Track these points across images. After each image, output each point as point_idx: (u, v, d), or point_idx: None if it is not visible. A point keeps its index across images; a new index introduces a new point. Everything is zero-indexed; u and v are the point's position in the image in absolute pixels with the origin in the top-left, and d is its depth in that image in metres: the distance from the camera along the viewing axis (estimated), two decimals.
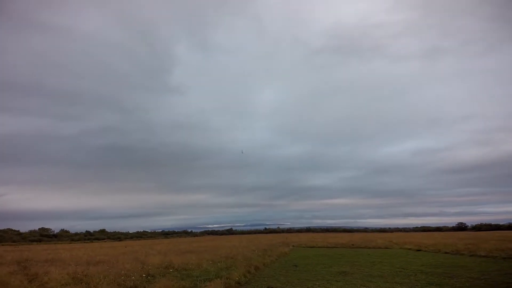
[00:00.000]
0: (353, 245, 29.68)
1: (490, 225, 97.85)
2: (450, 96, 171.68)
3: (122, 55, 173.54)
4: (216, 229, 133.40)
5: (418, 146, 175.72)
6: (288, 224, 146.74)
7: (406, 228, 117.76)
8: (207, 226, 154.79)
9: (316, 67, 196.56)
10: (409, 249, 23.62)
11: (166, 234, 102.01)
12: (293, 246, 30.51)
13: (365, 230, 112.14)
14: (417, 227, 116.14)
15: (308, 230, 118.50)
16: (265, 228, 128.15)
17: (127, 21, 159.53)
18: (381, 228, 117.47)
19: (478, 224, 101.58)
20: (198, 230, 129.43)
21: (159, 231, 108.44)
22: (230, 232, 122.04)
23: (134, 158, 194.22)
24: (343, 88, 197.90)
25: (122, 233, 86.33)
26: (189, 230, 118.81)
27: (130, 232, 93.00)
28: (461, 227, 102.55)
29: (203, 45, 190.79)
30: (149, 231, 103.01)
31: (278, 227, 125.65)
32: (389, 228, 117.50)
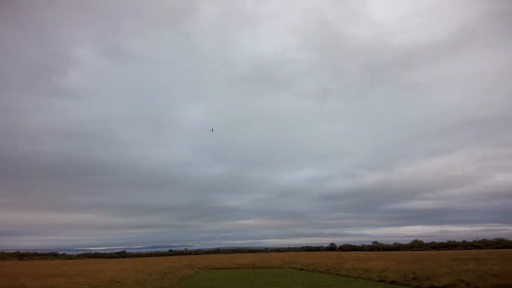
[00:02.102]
0: (254, 265, 30.58)
1: (350, 246, 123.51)
2: (332, 134, 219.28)
3: None
4: (102, 252, 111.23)
5: (311, 174, 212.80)
6: (197, 246, 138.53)
7: (296, 247, 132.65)
8: (88, 248, 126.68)
9: (240, 92, 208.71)
10: (295, 268, 26.14)
11: (22, 256, 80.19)
12: (199, 268, 28.61)
13: (266, 250, 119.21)
14: (303, 246, 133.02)
15: (217, 251, 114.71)
16: (170, 250, 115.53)
17: (16, 18, 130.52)
18: (278, 248, 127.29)
19: (343, 245, 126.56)
20: (75, 253, 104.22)
21: (11, 252, 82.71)
22: (121, 255, 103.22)
23: None
24: (261, 115, 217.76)
25: None
26: (60, 253, 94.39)
27: None
28: (332, 247, 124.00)
29: (115, 51, 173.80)
30: None
31: (186, 249, 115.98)
32: (283, 248, 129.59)
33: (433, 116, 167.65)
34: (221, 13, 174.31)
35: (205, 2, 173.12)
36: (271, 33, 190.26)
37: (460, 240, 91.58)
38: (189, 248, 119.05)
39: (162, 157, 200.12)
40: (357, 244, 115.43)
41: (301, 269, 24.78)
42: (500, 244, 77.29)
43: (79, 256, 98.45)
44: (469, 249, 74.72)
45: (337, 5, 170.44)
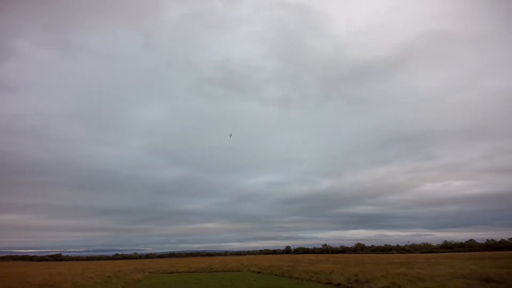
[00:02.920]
0: (212, 269, 30.01)
1: (303, 248, 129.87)
2: (292, 142, 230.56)
3: None
4: (31, 254, 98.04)
5: (270, 179, 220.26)
6: (149, 250, 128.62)
7: (255, 250, 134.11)
8: (14, 250, 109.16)
9: (205, 96, 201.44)
10: (253, 271, 26.53)
11: None
12: (150, 272, 26.91)
13: (226, 253, 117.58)
14: (262, 249, 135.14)
15: (172, 255, 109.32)
16: (116, 254, 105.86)
17: None
18: (237, 251, 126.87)
19: (298, 248, 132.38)
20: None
21: None
22: (56, 258, 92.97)
23: None
24: (225, 120, 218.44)
25: None
26: None
27: None
28: (288, 250, 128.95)
29: (63, 44, 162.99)
30: None
31: (135, 253, 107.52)
32: (243, 251, 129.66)
33: (373, 129, 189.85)
34: (189, 15, 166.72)
35: (172, 2, 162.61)
36: (239, 39, 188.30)
37: (394, 244, 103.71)
38: (139, 252, 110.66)
39: (109, 157, 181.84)
40: (309, 247, 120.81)
41: (259, 272, 25.30)
42: (425, 248, 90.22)
43: (1, 259, 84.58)
44: (401, 253, 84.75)
45: (302, 16, 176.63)
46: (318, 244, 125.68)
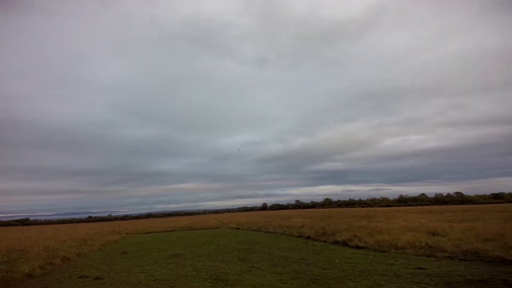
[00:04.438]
0: (191, 227, 31.48)
1: (278, 205, 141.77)
2: (268, 101, 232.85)
3: None
4: None
5: (247, 139, 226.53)
6: (124, 212, 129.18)
7: (233, 208, 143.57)
8: None
9: (173, 53, 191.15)
10: (232, 228, 27.85)
11: None
12: (127, 233, 27.37)
13: (204, 212, 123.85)
14: (240, 207, 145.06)
15: (149, 216, 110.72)
16: (90, 217, 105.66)
17: None
18: (216, 210, 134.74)
19: (273, 204, 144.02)
20: None
21: None
22: (23, 223, 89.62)
23: None
24: (197, 78, 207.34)
25: None
26: None
27: None
28: (264, 207, 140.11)
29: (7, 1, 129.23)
30: None
31: (110, 215, 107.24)
32: (222, 209, 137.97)
33: (344, 88, 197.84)
34: None
35: None
36: None
37: (358, 199, 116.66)
38: (114, 214, 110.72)
39: (66, 114, 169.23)
40: (284, 203, 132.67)
41: (237, 228, 26.66)
42: (384, 202, 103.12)
43: None
44: (363, 206, 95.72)
45: None
46: (291, 200, 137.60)
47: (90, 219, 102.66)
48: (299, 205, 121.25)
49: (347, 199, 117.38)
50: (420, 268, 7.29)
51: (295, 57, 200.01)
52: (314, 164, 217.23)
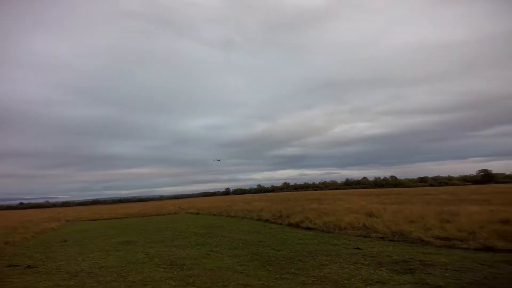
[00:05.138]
0: (144, 214, 29.85)
1: (241, 189, 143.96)
2: (234, 85, 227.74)
3: None
4: None
5: (211, 123, 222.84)
6: (65, 198, 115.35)
7: (193, 194, 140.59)
8: None
9: (129, 32, 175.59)
10: (191, 213, 27.27)
11: None
12: (68, 220, 24.66)
13: (161, 198, 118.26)
14: (201, 192, 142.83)
15: (96, 202, 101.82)
16: (21, 203, 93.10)
17: None
18: (175, 195, 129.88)
19: (236, 189, 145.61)
20: None
21: None
22: None
23: None
24: (155, 59, 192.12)
25: None
26: None
27: None
28: (227, 192, 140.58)
29: None
30: None
31: (47, 201, 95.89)
32: (181, 195, 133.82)
33: (305, 76, 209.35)
34: None
35: None
36: None
37: (311, 182, 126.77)
38: (52, 201, 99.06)
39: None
40: (246, 188, 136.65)
41: (197, 214, 26.21)
42: (333, 186, 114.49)
43: None
44: (315, 190, 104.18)
45: None
46: (253, 184, 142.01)
47: (21, 206, 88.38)
48: (260, 189, 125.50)
49: (302, 183, 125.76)
50: (357, 248, 7.92)
51: (261, 42, 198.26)
52: (275, 149, 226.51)
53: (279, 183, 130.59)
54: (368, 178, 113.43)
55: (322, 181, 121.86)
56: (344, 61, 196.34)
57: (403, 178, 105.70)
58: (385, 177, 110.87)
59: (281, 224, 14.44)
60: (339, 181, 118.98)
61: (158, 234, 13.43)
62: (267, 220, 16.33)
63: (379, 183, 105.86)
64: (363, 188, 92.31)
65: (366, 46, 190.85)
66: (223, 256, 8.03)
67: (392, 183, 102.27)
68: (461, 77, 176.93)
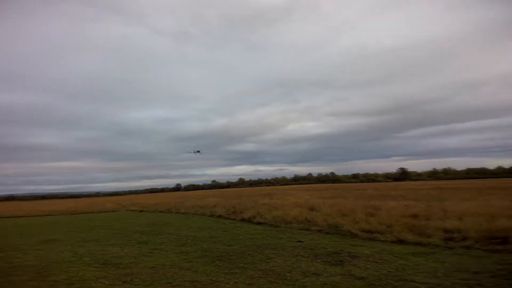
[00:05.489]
0: (75, 211, 25.76)
1: (194, 185, 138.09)
2: (190, 78, 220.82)
3: None
4: None
5: (162, 115, 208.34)
6: None
7: (138, 190, 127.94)
8: None
9: (66, 16, 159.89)
10: (134, 210, 24.81)
11: None
12: None
13: (97, 194, 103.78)
14: (148, 188, 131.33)
15: (11, 198, 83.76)
16: None
17: None
18: (114, 191, 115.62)
19: (188, 185, 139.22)
20: None
21: None
22: None
23: None
24: (97, 45, 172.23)
25: None
26: None
27: None
28: (177, 188, 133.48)
29: None
30: None
31: None
32: (123, 191, 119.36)
33: (262, 73, 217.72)
34: None
35: None
36: None
37: (264, 178, 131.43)
38: None
39: None
40: (200, 184, 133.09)
41: (141, 211, 23.93)
42: (283, 181, 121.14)
43: None
44: (268, 185, 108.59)
45: None
46: (208, 180, 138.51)
47: None
48: (215, 185, 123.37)
49: (256, 179, 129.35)
50: (299, 241, 8.20)
51: (220, 37, 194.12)
52: (232, 144, 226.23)
53: (235, 179, 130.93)
54: (312, 174, 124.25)
55: (274, 177, 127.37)
56: (297, 62, 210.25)
57: (340, 174, 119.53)
58: (326, 174, 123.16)
59: (234, 219, 14.40)
60: (288, 177, 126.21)
61: (91, 233, 11.73)
62: (220, 216, 16.08)
63: (321, 179, 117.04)
64: (309, 183, 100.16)
65: (317, 48, 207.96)
66: (169, 254, 7.47)
67: (332, 179, 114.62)
68: (390, 83, 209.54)
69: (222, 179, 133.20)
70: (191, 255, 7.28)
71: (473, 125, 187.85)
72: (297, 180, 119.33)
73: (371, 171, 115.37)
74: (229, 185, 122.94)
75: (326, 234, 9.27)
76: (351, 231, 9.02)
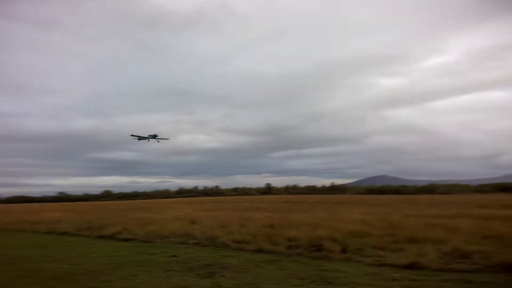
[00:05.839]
0: None
1: (25, 197, 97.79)
2: (41, 67, 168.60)
3: None
4: None
5: None
6: None
7: None
8: None
9: None
10: None
11: None
12: None
13: None
14: None
15: None
16: None
17: None
18: None
19: (15, 196, 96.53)
20: None
21: None
22: None
23: None
24: None
25: None
26: None
27: None
28: None
29: None
30: None
31: None
32: None
33: (157, 78, 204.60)
34: None
35: None
36: None
37: (142, 191, 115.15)
38: None
39: None
40: (37, 196, 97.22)
41: None
42: (165, 194, 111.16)
43: None
44: (146, 198, 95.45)
45: None
46: (52, 192, 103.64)
47: None
48: (62, 198, 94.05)
49: (130, 191, 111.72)
50: (174, 256, 7.97)
51: (104, 30, 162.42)
52: (101, 151, 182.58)
53: (98, 191, 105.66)
54: (198, 187, 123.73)
55: (155, 189, 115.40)
56: (198, 74, 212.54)
57: (224, 188, 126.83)
58: (211, 187, 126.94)
59: (87, 236, 12.55)
60: (172, 190, 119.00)
61: None
62: (65, 233, 13.09)
63: (206, 192, 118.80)
64: (194, 196, 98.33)
65: (217, 65, 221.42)
66: None
67: (216, 192, 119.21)
68: (267, 107, 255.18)
69: (78, 191, 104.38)
70: (6, 275, 6.13)
71: (313, 151, 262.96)
72: (181, 193, 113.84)
73: (247, 185, 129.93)
74: (86, 198, 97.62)
75: (203, 247, 9.32)
76: (225, 242, 9.37)
